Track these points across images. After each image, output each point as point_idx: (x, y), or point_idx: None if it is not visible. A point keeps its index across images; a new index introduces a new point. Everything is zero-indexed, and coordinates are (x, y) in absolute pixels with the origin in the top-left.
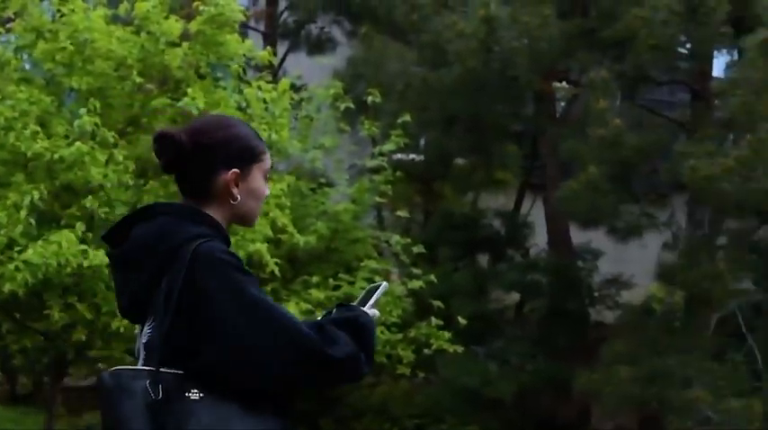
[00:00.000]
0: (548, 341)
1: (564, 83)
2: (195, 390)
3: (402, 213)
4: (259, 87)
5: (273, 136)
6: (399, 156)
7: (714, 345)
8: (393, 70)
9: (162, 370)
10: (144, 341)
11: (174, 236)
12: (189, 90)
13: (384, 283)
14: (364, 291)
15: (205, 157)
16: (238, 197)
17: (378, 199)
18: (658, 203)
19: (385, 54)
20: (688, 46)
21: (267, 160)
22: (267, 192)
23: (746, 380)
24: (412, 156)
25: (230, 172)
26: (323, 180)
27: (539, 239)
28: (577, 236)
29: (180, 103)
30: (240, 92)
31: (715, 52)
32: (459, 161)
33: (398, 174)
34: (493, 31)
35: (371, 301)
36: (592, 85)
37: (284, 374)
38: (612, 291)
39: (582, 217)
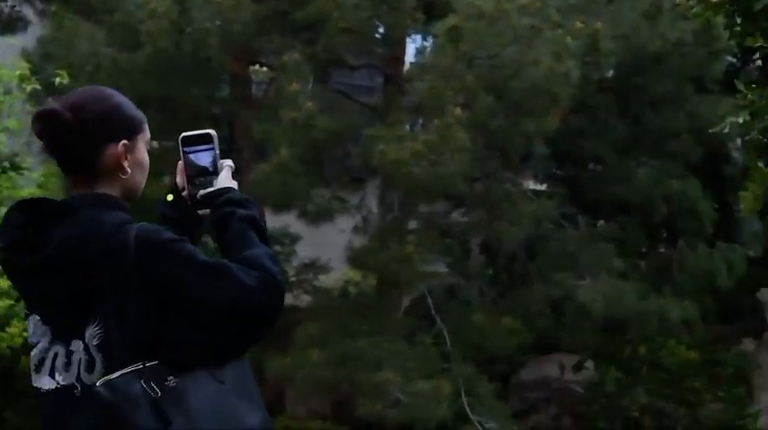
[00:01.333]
0: None
1: (258, 65)
2: (171, 377)
3: None
4: None
5: None
6: None
7: (404, 328)
8: (83, 51)
9: (147, 364)
10: (96, 343)
11: (101, 228)
12: None
13: (213, 132)
14: (182, 146)
15: (92, 132)
16: (129, 170)
17: None
18: (351, 187)
19: (76, 34)
20: (381, 30)
21: (147, 130)
22: (148, 162)
23: (436, 361)
24: None
25: (119, 144)
26: (7, 164)
27: None
28: (275, 220)
29: None
30: None
31: (408, 38)
32: (154, 144)
33: None
34: (185, 12)
35: (220, 167)
36: (284, 67)
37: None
38: (310, 276)
39: (274, 200)
